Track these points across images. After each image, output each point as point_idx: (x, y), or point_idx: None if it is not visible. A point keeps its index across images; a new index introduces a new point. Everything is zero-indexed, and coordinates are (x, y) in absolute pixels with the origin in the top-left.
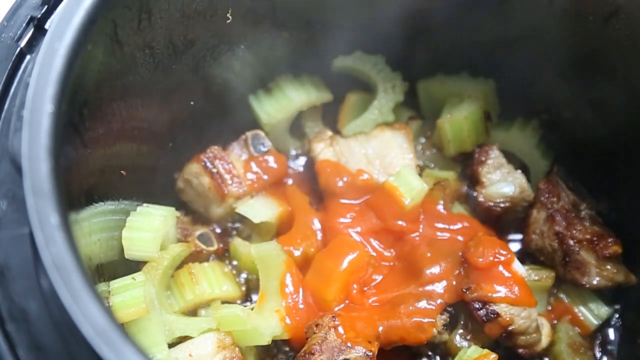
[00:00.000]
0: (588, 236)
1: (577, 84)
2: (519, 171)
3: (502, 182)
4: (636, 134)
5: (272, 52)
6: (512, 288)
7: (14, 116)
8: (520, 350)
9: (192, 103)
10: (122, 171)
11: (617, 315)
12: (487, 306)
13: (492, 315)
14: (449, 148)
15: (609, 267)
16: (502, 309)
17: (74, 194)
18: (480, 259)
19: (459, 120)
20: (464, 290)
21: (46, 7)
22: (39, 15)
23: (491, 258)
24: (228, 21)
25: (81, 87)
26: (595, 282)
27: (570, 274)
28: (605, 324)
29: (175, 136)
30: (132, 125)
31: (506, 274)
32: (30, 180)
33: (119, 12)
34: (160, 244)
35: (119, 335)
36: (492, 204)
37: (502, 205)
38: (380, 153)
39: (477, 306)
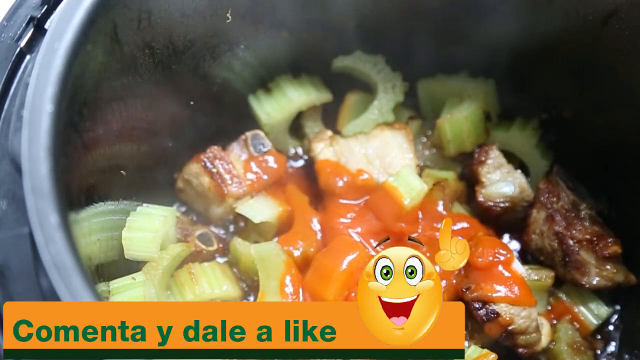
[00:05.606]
0: (588, 236)
1: (577, 83)
2: (519, 171)
3: (502, 182)
4: (636, 134)
5: (272, 52)
6: (512, 288)
7: (14, 116)
8: (520, 350)
9: (192, 103)
10: (122, 171)
11: (617, 315)
12: (487, 306)
13: (492, 315)
14: (448, 148)
15: (608, 267)
16: (502, 308)
17: (74, 194)
18: (480, 259)
19: (459, 120)
20: (464, 290)
21: (46, 7)
22: (39, 15)
23: (491, 258)
24: (228, 21)
25: (81, 87)
26: (595, 282)
27: (570, 274)
28: (605, 324)
29: (175, 136)
30: (132, 125)
31: (506, 273)
32: (30, 180)
33: (119, 12)
34: (160, 244)
35: None
36: (492, 203)
37: (502, 205)
38: (380, 153)
39: (477, 306)
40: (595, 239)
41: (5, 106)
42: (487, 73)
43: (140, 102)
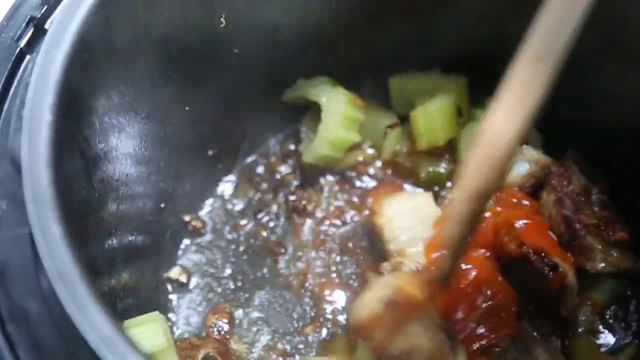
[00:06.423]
0: (595, 221)
1: (568, 81)
2: (524, 146)
3: (515, 165)
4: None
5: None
6: (555, 246)
7: (14, 116)
8: (565, 314)
9: (187, 108)
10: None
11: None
12: (545, 257)
13: (552, 265)
14: (421, 142)
15: (615, 253)
16: (558, 260)
17: (75, 205)
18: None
19: (431, 113)
20: (519, 245)
21: (46, 7)
22: (39, 15)
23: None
24: (222, 25)
25: (79, 96)
26: (599, 268)
27: (576, 258)
28: (619, 297)
29: (172, 144)
30: (131, 136)
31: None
32: (32, 189)
33: (114, 20)
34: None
35: (126, 344)
36: (517, 188)
37: (528, 185)
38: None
39: (537, 257)
40: (602, 224)
41: (5, 106)
42: (458, 70)
43: (138, 110)
